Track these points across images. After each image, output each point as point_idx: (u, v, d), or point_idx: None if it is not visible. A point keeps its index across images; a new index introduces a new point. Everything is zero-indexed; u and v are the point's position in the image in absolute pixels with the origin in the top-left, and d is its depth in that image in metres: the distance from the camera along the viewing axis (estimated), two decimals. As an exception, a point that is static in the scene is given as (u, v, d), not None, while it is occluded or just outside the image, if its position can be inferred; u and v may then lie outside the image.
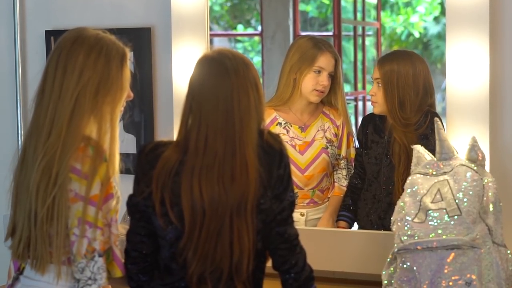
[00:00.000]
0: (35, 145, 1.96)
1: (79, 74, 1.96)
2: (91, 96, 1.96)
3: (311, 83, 2.85)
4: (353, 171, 2.87)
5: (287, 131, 2.88)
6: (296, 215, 2.09)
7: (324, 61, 2.86)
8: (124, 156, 3.37)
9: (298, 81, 2.86)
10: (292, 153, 2.84)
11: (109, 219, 1.99)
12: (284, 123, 2.89)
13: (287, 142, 2.86)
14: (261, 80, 3.70)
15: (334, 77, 2.88)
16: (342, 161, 2.89)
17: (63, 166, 1.91)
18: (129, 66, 2.07)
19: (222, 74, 1.97)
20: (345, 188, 2.87)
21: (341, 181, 2.89)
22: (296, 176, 2.82)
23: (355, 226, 2.85)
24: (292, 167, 2.81)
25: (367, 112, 3.40)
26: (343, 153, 2.89)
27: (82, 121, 1.95)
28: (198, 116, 1.96)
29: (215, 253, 1.93)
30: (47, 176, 1.92)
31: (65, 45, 1.99)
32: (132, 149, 3.07)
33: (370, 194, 2.74)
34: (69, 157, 1.91)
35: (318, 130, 2.88)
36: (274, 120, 2.90)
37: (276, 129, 2.88)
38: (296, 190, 2.83)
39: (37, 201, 1.93)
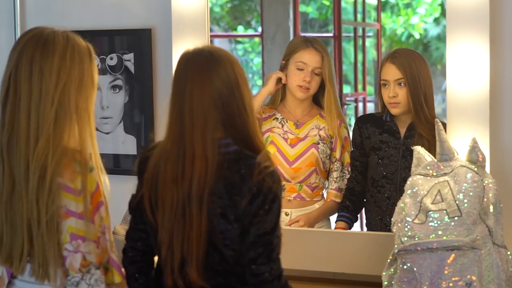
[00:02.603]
0: (20, 152, 1.92)
1: (57, 77, 1.93)
2: (71, 97, 1.94)
3: (295, 79, 2.86)
4: (348, 175, 2.85)
5: (282, 125, 2.90)
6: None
7: (307, 57, 2.84)
8: (124, 157, 3.32)
9: (286, 76, 2.87)
10: (283, 145, 2.87)
11: (103, 227, 1.98)
12: (281, 118, 2.91)
13: (279, 135, 2.88)
14: (260, 82, 3.72)
15: (323, 77, 2.85)
16: (336, 164, 2.87)
17: (54, 184, 1.89)
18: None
19: (179, 76, 1.98)
20: (334, 192, 2.85)
21: (331, 184, 2.88)
22: (284, 168, 2.83)
23: (356, 227, 2.84)
24: (281, 159, 2.82)
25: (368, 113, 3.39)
26: (337, 155, 2.87)
27: (65, 126, 1.93)
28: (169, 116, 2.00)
29: (176, 242, 1.93)
30: (43, 186, 1.89)
31: (35, 47, 1.94)
32: (132, 150, 3.07)
33: (383, 196, 2.71)
34: (57, 175, 1.89)
35: (313, 128, 2.88)
36: (271, 116, 2.92)
37: (272, 123, 2.90)
38: (283, 183, 2.81)
39: (38, 209, 1.89)
